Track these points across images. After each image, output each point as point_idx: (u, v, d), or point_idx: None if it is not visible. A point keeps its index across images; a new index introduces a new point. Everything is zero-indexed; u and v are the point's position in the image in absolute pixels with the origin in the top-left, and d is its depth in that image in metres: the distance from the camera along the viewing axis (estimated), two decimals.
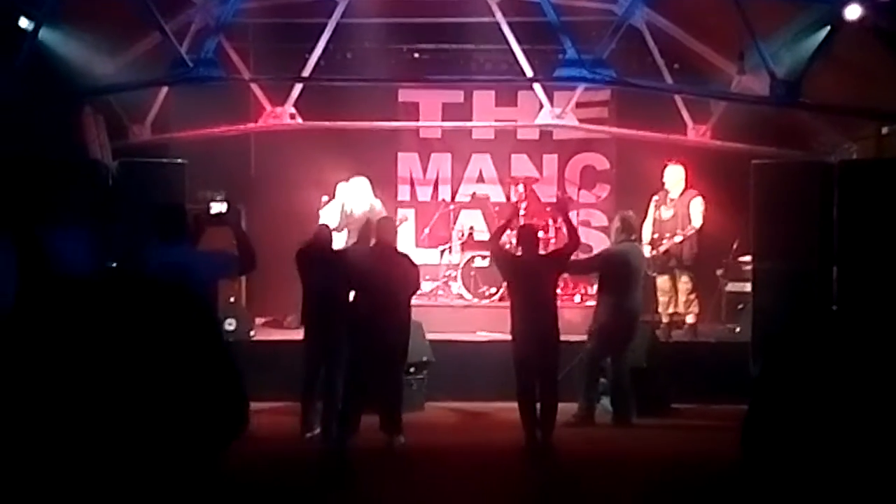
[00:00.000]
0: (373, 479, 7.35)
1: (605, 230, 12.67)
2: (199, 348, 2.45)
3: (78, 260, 2.56)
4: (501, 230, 9.07)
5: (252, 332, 10.71)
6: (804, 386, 2.84)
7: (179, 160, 9.79)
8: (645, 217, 10.60)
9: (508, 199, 12.70)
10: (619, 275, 9.12)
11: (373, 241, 8.58)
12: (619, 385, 9.15)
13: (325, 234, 8.87)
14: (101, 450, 2.33)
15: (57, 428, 2.33)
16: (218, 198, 8.21)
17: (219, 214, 6.59)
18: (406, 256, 8.63)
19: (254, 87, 11.02)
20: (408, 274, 8.28)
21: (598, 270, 9.41)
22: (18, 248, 2.36)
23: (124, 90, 10.51)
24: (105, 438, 2.34)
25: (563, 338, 9.12)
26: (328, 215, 10.57)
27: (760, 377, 2.95)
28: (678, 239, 10.31)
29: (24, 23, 9.01)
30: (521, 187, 12.21)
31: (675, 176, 10.55)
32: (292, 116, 10.97)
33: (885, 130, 10.18)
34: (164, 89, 10.86)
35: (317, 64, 10.57)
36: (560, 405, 8.50)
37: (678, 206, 10.47)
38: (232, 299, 10.56)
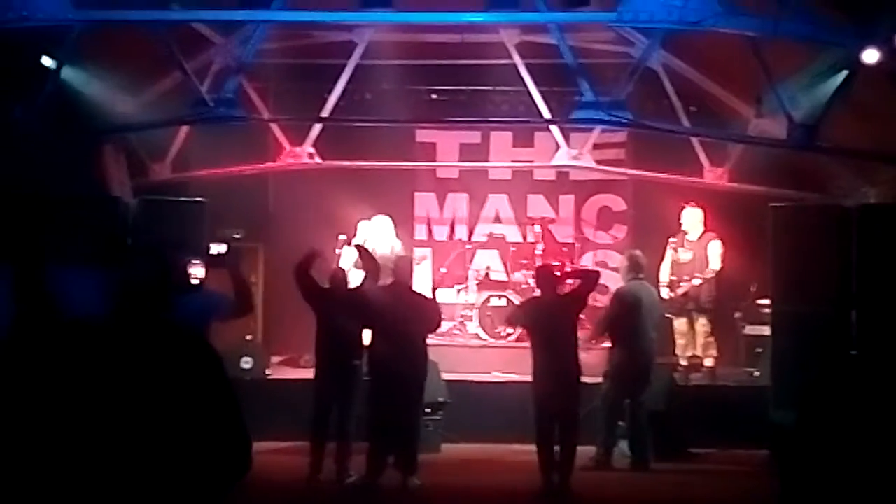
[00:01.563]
0: None
1: None
2: (204, 392, 2.45)
3: (91, 300, 2.58)
4: (525, 305, 8.97)
5: (268, 371, 10.69)
6: (842, 436, 2.81)
7: (199, 198, 9.84)
8: (662, 259, 10.57)
9: (525, 239, 12.72)
10: (629, 314, 9.09)
11: (390, 280, 8.59)
12: (638, 428, 9.08)
13: (341, 276, 8.89)
14: (105, 488, 2.33)
15: (58, 464, 2.32)
16: (236, 235, 8.19)
17: (217, 255, 6.53)
18: (421, 295, 8.64)
19: (273, 126, 11.11)
20: (424, 312, 8.28)
21: (611, 312, 9.36)
22: (17, 286, 2.40)
23: (145, 129, 10.60)
24: (109, 477, 2.33)
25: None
26: (349, 253, 10.58)
27: (797, 430, 2.93)
28: (697, 282, 10.28)
29: (47, 61, 9.11)
30: (537, 228, 12.24)
31: (693, 218, 10.54)
32: (311, 156, 11.05)
33: None
34: (185, 128, 10.96)
35: (336, 104, 10.65)
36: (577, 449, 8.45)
37: (697, 249, 10.44)
38: (248, 337, 10.57)
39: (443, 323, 11.61)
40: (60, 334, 2.46)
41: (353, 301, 8.41)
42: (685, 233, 10.56)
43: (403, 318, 8.06)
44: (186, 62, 9.49)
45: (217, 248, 6.54)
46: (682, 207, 10.64)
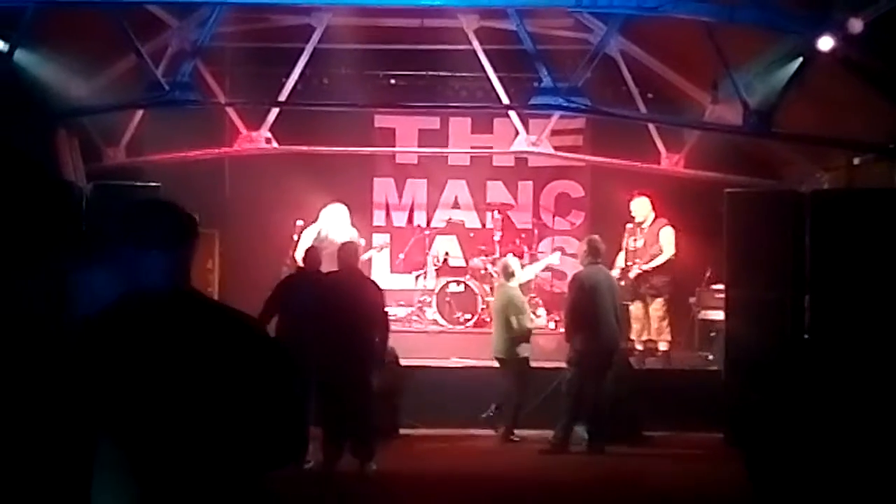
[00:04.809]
0: None
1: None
2: (265, 373, 2.50)
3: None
4: None
5: None
6: (801, 416, 2.88)
7: (153, 183, 9.74)
8: (620, 245, 10.69)
9: (484, 225, 12.75)
10: (587, 299, 9.14)
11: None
12: (598, 412, 9.15)
13: (314, 254, 8.81)
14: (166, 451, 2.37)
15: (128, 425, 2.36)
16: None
17: None
18: (371, 281, 8.62)
19: (229, 110, 11.00)
20: (369, 298, 8.21)
21: (571, 298, 9.41)
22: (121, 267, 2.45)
23: (99, 112, 10.46)
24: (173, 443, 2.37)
25: (538, 364, 9.22)
26: (309, 239, 10.54)
27: (758, 413, 2.99)
28: (658, 261, 10.37)
29: None
30: (496, 214, 12.28)
31: (642, 208, 10.68)
32: (268, 141, 10.94)
33: (856, 161, 10.28)
34: (140, 112, 10.82)
35: (293, 89, 10.56)
36: (535, 432, 8.51)
37: (648, 235, 10.59)
38: None
39: (402, 309, 11.69)
40: (138, 310, 2.50)
41: (317, 286, 8.37)
42: (638, 222, 10.68)
43: (350, 303, 8.00)
44: (142, 45, 9.38)
45: None
46: (631, 199, 10.75)
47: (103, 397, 2.38)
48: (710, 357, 10.71)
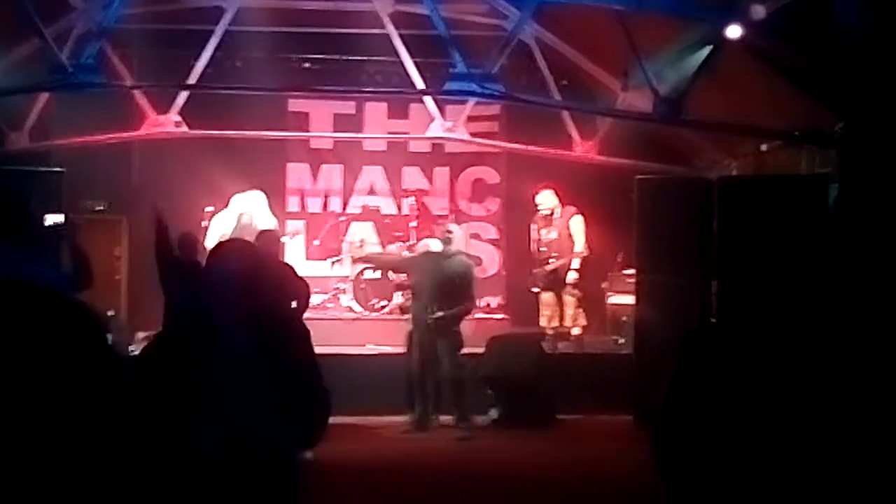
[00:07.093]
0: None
1: (495, 243, 12.81)
2: (84, 357, 2.37)
3: None
4: None
5: (132, 348, 10.39)
6: (709, 398, 2.92)
7: (57, 168, 9.50)
8: (529, 235, 10.83)
9: (400, 211, 12.70)
10: (421, 281, 9.21)
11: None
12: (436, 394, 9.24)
13: (191, 240, 8.57)
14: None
15: None
16: (98, 207, 7.86)
17: (54, 226, 6.18)
18: (289, 268, 8.52)
19: (137, 94, 10.72)
20: (291, 286, 8.12)
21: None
22: None
23: (1, 96, 10.11)
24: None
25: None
26: (223, 225, 10.34)
27: (669, 395, 3.02)
28: (576, 261, 10.54)
29: None
30: (412, 200, 12.24)
31: (548, 200, 10.83)
32: (177, 125, 10.68)
33: (764, 147, 10.49)
34: (44, 96, 10.52)
35: (204, 71, 10.36)
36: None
37: (560, 226, 10.72)
38: (111, 313, 10.22)
39: (317, 296, 11.57)
40: None
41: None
42: (546, 214, 10.81)
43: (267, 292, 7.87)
44: (46, 27, 9.11)
45: (53, 219, 6.18)
46: (537, 192, 10.86)
47: None
48: (622, 341, 10.86)
